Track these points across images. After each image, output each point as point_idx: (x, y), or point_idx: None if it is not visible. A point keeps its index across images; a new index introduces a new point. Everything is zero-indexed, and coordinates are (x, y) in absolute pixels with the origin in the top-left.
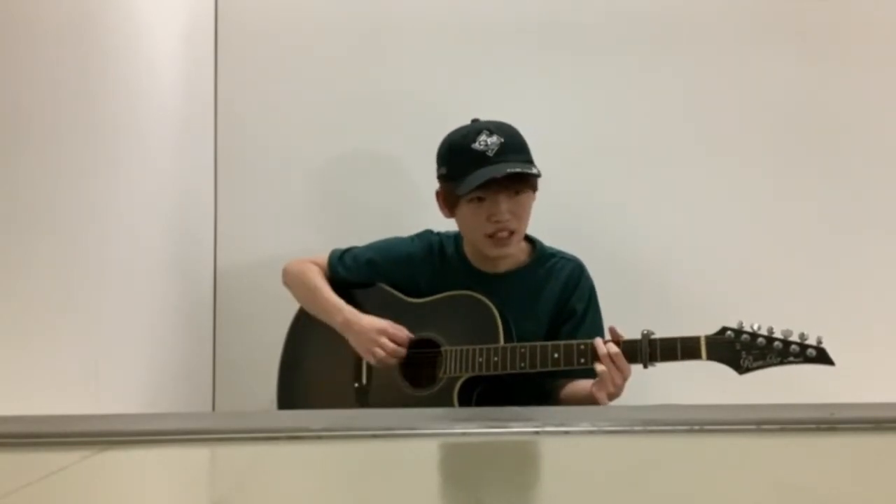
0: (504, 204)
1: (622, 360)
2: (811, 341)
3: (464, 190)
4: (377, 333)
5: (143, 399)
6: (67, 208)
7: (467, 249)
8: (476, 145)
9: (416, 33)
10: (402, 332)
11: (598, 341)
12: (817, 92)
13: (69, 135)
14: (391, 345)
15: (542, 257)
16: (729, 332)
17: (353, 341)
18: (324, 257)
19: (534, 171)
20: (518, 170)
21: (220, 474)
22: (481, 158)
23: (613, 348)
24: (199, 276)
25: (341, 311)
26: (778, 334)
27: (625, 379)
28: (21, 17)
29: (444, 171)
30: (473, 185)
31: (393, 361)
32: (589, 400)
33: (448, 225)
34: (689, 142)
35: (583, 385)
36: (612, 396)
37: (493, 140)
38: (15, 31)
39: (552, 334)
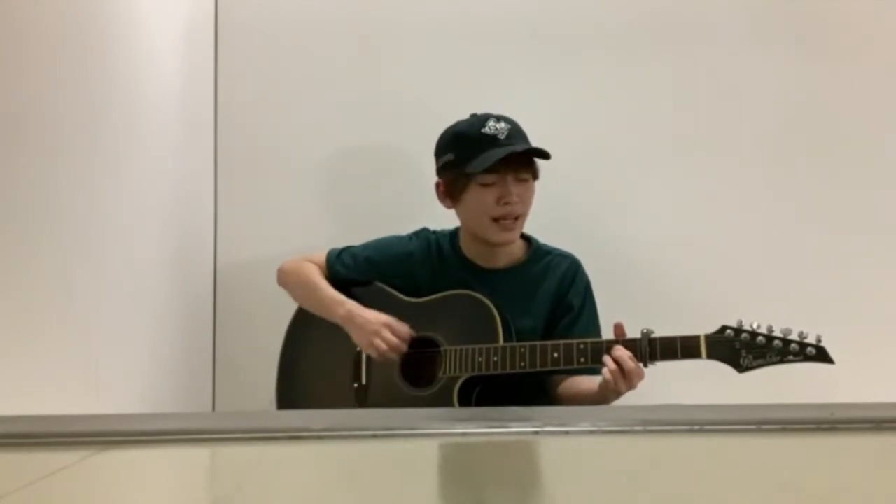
0: (513, 186)
1: (636, 361)
2: (810, 340)
3: (479, 167)
4: (380, 326)
5: (143, 399)
6: (67, 208)
7: (464, 245)
8: (486, 129)
9: (416, 34)
10: (404, 328)
11: (608, 359)
12: (817, 92)
13: (69, 135)
14: (393, 339)
15: (539, 254)
16: (729, 331)
17: (355, 334)
18: (321, 256)
19: (545, 150)
20: (534, 146)
21: (220, 474)
22: (493, 141)
23: (625, 352)
24: (199, 276)
25: (343, 303)
26: (777, 333)
27: (641, 379)
28: (20, 17)
29: (450, 157)
30: (490, 161)
31: (393, 356)
32: (592, 399)
33: (444, 224)
34: (688, 141)
35: (584, 384)
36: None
37: (502, 125)
38: (15, 32)
39: (549, 330)
